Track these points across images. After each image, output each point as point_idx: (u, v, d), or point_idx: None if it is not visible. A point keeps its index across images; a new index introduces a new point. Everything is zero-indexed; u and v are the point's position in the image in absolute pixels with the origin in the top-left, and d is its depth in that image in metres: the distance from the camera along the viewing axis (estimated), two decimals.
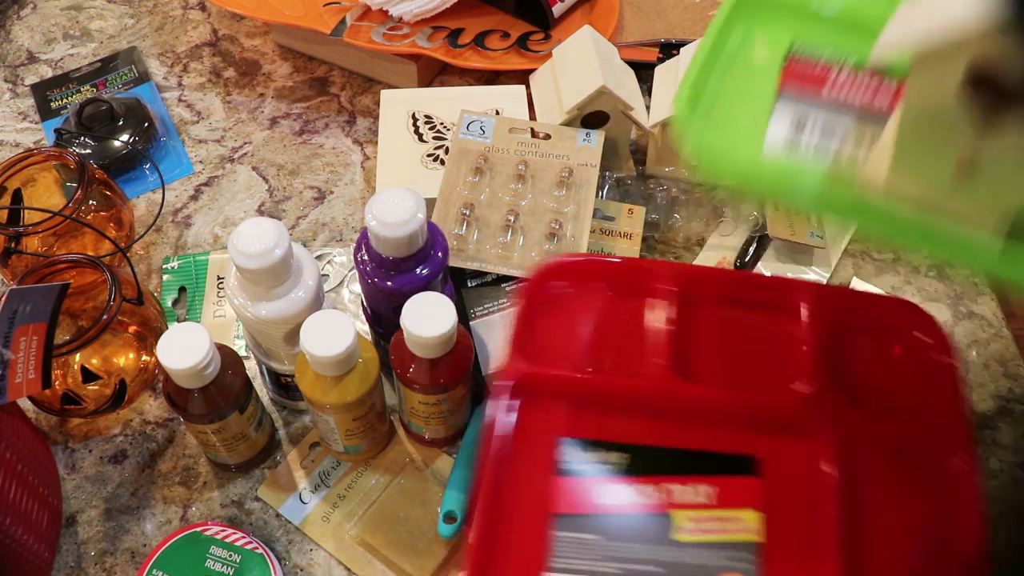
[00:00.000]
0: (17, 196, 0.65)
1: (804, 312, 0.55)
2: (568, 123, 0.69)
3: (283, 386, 0.59)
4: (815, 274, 0.67)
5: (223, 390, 0.52)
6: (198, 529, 0.54)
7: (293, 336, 0.53)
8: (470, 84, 0.81)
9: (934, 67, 0.32)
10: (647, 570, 0.46)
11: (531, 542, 0.47)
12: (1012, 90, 0.33)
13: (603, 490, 0.49)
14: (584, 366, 0.53)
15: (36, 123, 0.79)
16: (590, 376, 0.52)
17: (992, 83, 0.33)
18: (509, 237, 0.62)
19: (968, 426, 0.51)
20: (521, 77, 0.78)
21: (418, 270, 0.53)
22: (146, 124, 0.75)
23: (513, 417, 0.51)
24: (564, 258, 0.57)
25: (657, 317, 0.55)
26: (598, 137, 0.68)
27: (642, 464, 0.49)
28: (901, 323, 0.55)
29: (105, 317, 0.54)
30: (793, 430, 0.51)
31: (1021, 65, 0.31)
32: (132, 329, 0.61)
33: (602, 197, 0.71)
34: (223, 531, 0.54)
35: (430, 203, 0.64)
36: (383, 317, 0.57)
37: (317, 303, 0.53)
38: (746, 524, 0.48)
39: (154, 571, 0.52)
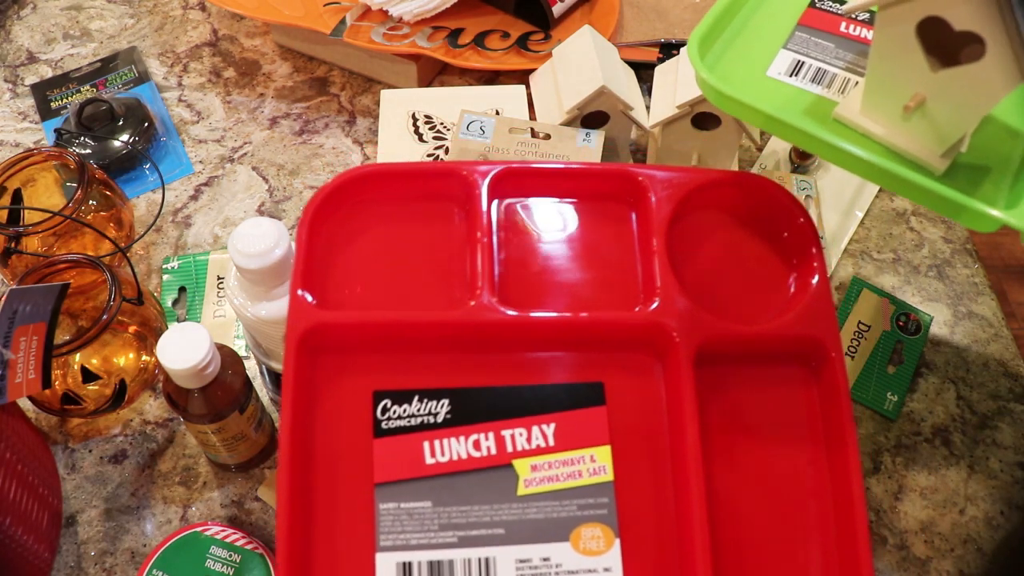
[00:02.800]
0: (17, 196, 0.65)
1: (644, 203, 0.47)
2: (568, 123, 0.69)
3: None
4: None
5: (223, 390, 0.52)
6: (198, 529, 0.54)
7: None
8: (470, 84, 0.81)
9: (893, 16, 0.38)
10: (489, 534, 0.41)
11: (354, 521, 0.41)
12: (955, 36, 0.39)
13: (430, 448, 0.42)
14: (389, 304, 0.45)
15: (36, 123, 0.79)
16: (397, 316, 0.44)
17: (940, 29, 0.39)
18: None
19: (835, 323, 0.45)
20: (521, 77, 0.78)
21: None
22: (146, 124, 0.75)
23: (310, 374, 0.43)
24: (348, 174, 0.46)
25: (470, 233, 0.46)
26: (598, 137, 0.68)
27: (472, 410, 0.42)
28: (755, 208, 0.48)
29: (105, 317, 0.54)
30: (642, 347, 0.44)
31: (964, 16, 0.37)
32: (132, 329, 0.61)
33: None
34: (223, 531, 0.54)
35: None
36: None
37: None
38: (598, 463, 0.42)
39: (154, 571, 0.52)
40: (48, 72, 0.83)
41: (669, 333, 0.43)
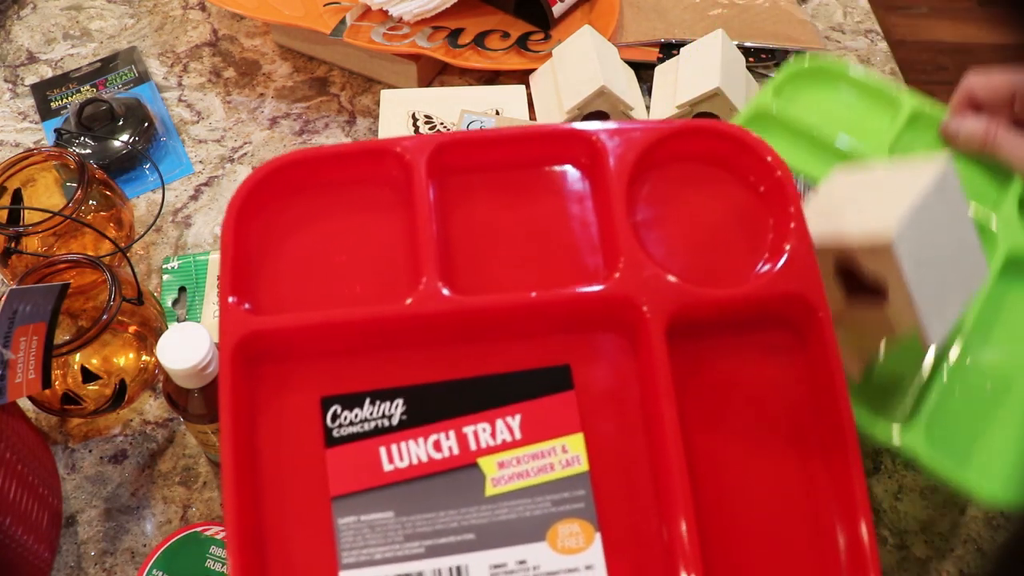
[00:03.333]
0: (17, 196, 0.64)
1: (600, 165, 0.42)
2: (568, 123, 0.69)
3: None
4: None
5: None
6: (198, 529, 0.54)
7: None
8: (470, 84, 0.81)
9: (820, 253, 0.43)
10: (459, 541, 0.38)
11: (312, 540, 0.38)
12: (862, 282, 0.43)
13: (387, 453, 0.39)
14: (330, 303, 0.41)
15: (36, 123, 0.79)
16: (340, 314, 0.40)
17: (850, 273, 0.43)
18: None
19: (819, 280, 0.41)
20: (521, 77, 0.78)
21: None
22: (146, 124, 0.75)
23: (249, 387, 0.39)
24: (271, 164, 0.42)
25: (410, 216, 0.42)
26: None
27: (429, 408, 0.39)
28: (727, 156, 0.43)
29: (105, 317, 0.54)
30: (609, 323, 0.41)
31: (868, 270, 0.42)
32: (132, 329, 0.61)
33: None
34: (223, 531, 0.54)
35: None
36: None
37: None
38: (571, 453, 0.39)
39: (154, 571, 0.52)
40: (48, 72, 0.83)
41: (637, 305, 0.40)
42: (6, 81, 0.82)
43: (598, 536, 0.38)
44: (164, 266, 0.69)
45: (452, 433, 0.39)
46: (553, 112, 0.71)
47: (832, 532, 0.40)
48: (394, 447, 0.39)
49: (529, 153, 0.44)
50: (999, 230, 0.56)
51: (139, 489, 0.59)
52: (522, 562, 0.38)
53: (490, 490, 0.38)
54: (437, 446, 0.39)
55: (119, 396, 0.59)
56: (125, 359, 0.61)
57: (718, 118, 0.70)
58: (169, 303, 0.67)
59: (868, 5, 0.91)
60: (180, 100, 0.80)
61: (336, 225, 0.42)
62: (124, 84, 0.81)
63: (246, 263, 0.41)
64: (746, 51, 0.81)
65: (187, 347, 0.49)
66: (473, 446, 0.39)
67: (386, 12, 0.77)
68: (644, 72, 0.79)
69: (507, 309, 0.40)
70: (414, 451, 0.39)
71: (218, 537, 0.53)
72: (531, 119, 0.72)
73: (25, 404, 0.60)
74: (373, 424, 0.39)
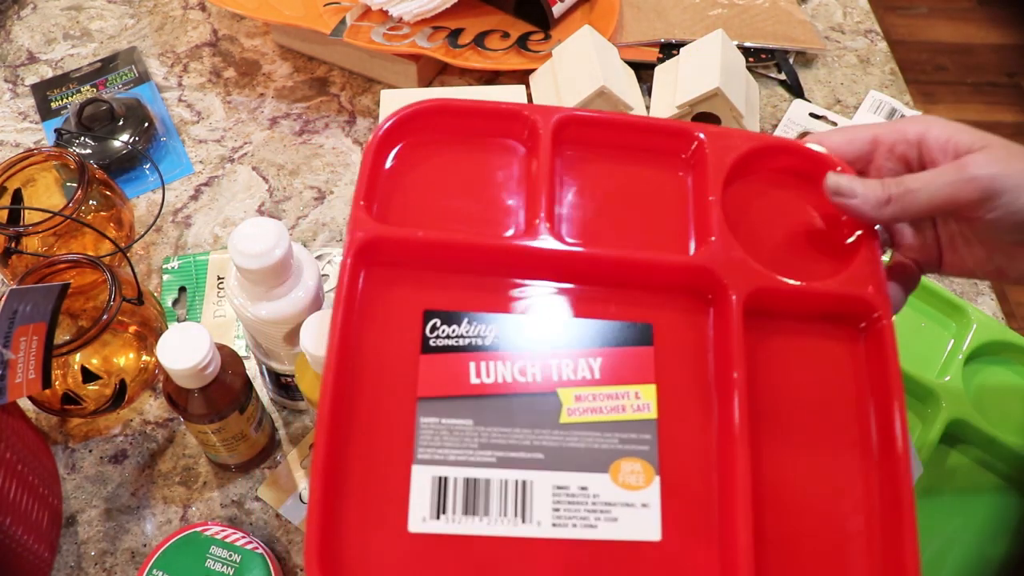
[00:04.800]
0: (17, 196, 0.65)
1: (701, 160, 0.47)
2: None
3: (283, 386, 0.59)
4: None
5: (223, 390, 0.52)
6: (198, 529, 0.54)
7: (293, 336, 0.53)
8: (470, 84, 0.81)
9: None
10: (528, 458, 0.40)
11: (393, 432, 0.40)
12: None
13: (476, 368, 0.42)
14: (447, 226, 0.45)
15: (36, 123, 0.79)
16: (455, 237, 0.44)
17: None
18: None
19: (884, 287, 0.45)
20: (521, 77, 0.78)
21: None
22: (146, 124, 0.75)
23: (363, 286, 0.43)
24: (416, 105, 0.47)
25: (531, 169, 0.47)
26: None
27: (520, 337, 0.42)
28: (812, 172, 0.48)
29: (105, 317, 0.54)
30: (694, 291, 0.45)
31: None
32: (132, 329, 0.61)
33: None
34: (223, 531, 0.54)
35: None
36: None
37: (317, 303, 0.53)
38: (643, 400, 0.42)
39: (154, 571, 0.52)
40: (48, 72, 0.83)
41: (721, 279, 0.44)
42: (6, 81, 0.82)
43: (657, 478, 0.41)
44: (164, 266, 0.69)
45: (538, 362, 0.42)
46: None
47: (881, 502, 0.42)
48: (483, 364, 0.42)
49: (642, 139, 0.48)
50: (944, 397, 0.60)
51: (139, 489, 0.59)
52: (584, 488, 0.40)
53: (564, 418, 0.41)
54: (522, 371, 0.42)
55: (119, 396, 0.59)
56: (125, 359, 0.61)
57: (718, 118, 0.70)
58: (169, 303, 0.67)
59: (868, 5, 0.91)
60: (180, 100, 0.80)
61: (463, 165, 0.47)
62: (124, 84, 0.81)
63: (380, 179, 0.45)
64: (746, 51, 0.81)
65: (187, 347, 0.49)
66: (555, 377, 0.42)
67: (386, 12, 0.77)
68: (644, 72, 0.79)
69: (605, 262, 0.44)
70: (500, 370, 0.42)
71: (218, 537, 0.53)
72: None
73: (25, 404, 0.60)
74: (467, 341, 0.42)
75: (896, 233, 0.48)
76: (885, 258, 0.46)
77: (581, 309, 0.44)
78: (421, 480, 0.40)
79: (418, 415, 0.41)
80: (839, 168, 0.46)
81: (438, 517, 0.39)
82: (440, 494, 0.39)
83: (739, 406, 0.41)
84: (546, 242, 0.44)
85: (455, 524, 0.39)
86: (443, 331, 0.42)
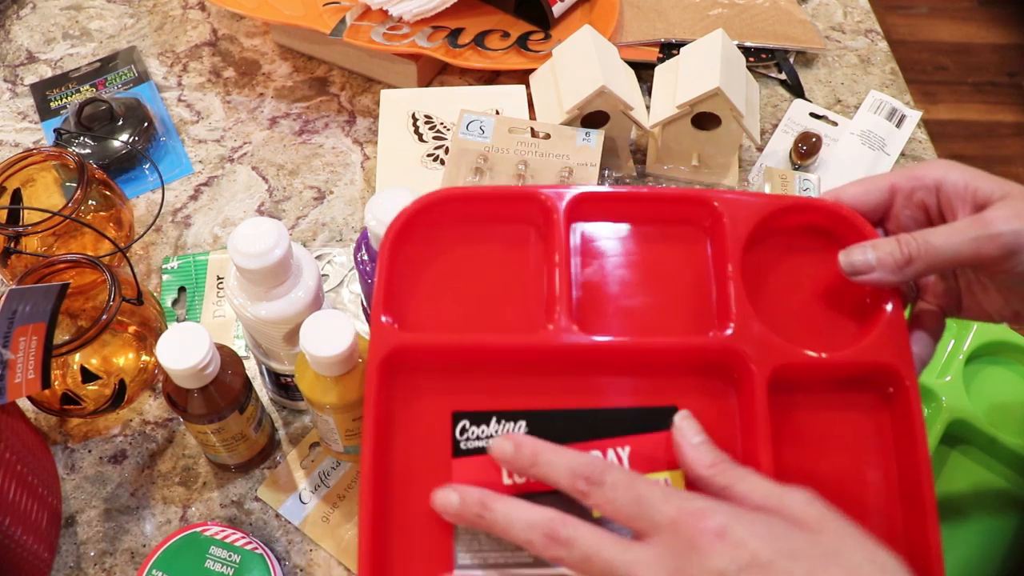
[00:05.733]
0: (17, 196, 0.64)
1: (719, 228, 0.47)
2: (568, 123, 0.69)
3: (283, 386, 0.59)
4: None
5: (223, 390, 0.52)
6: (198, 529, 0.54)
7: (293, 336, 0.53)
8: (470, 84, 0.81)
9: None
10: None
11: (432, 539, 0.41)
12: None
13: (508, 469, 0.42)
14: (468, 326, 0.45)
15: (36, 123, 0.79)
16: (477, 339, 0.44)
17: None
18: None
19: (909, 351, 0.45)
20: (521, 77, 0.78)
21: None
22: (146, 124, 0.75)
23: (391, 394, 0.43)
24: (426, 198, 0.47)
25: (545, 256, 0.46)
26: (598, 137, 0.68)
27: (549, 432, 0.42)
28: (831, 228, 0.47)
29: (105, 317, 0.54)
30: (717, 372, 0.45)
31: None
32: (132, 329, 0.61)
33: None
34: (223, 531, 0.54)
35: None
36: None
37: (317, 303, 0.53)
38: (672, 487, 0.42)
39: (154, 571, 0.52)
40: (48, 72, 0.83)
41: (744, 359, 0.44)
42: (6, 81, 0.82)
43: None
44: (164, 266, 0.69)
45: None
46: (553, 112, 0.71)
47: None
48: None
49: (657, 211, 0.48)
50: (944, 397, 0.60)
51: (139, 489, 0.59)
52: None
53: (597, 513, 0.40)
54: None
55: (119, 396, 0.59)
56: (125, 359, 0.61)
57: (718, 118, 0.70)
58: (169, 303, 0.67)
59: (868, 5, 0.91)
60: (180, 100, 0.80)
61: (478, 256, 0.47)
62: (124, 84, 0.81)
63: (396, 284, 0.46)
64: (746, 51, 0.81)
65: (187, 347, 0.49)
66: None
67: (386, 12, 0.77)
68: (644, 72, 0.79)
69: (626, 350, 0.44)
70: None
71: (218, 537, 0.53)
72: (531, 119, 0.72)
73: (24, 404, 0.60)
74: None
75: (918, 281, 0.48)
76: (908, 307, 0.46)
77: (606, 398, 0.44)
78: None
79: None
80: (859, 224, 0.46)
81: None
82: None
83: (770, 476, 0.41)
84: (568, 337, 0.44)
85: None
86: (472, 432, 0.43)
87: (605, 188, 0.49)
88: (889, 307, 0.45)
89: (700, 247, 0.48)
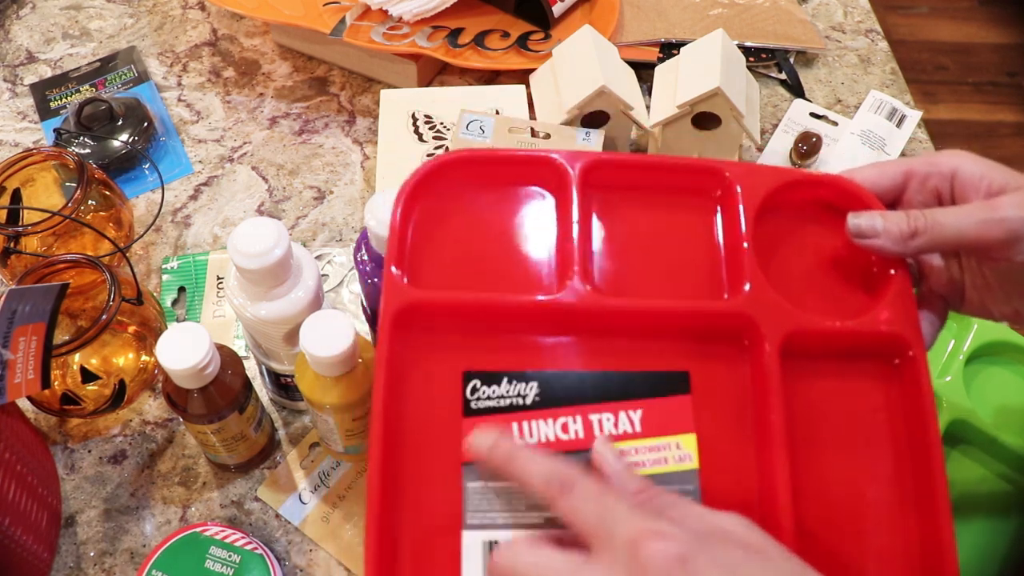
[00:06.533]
0: (16, 196, 0.64)
1: (731, 198, 0.47)
2: (568, 123, 0.69)
3: (283, 386, 0.59)
4: None
5: (223, 390, 0.52)
6: (198, 529, 0.54)
7: (293, 336, 0.53)
8: (470, 84, 0.81)
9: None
10: None
11: (441, 498, 0.41)
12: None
13: (518, 429, 0.42)
14: (480, 284, 0.45)
15: (35, 123, 0.79)
16: (489, 298, 0.44)
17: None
18: None
19: (917, 322, 0.45)
20: (521, 77, 0.78)
21: None
22: (145, 124, 0.75)
23: (402, 351, 0.43)
24: (440, 158, 0.46)
25: (561, 218, 0.46)
26: (598, 137, 0.68)
27: (560, 394, 0.43)
28: (842, 205, 0.47)
29: (104, 317, 0.54)
30: (729, 337, 0.45)
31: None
32: (131, 329, 0.61)
33: None
34: (223, 531, 0.54)
35: None
36: None
37: (317, 303, 0.53)
38: (683, 451, 0.42)
39: (153, 571, 0.52)
40: (47, 72, 0.83)
41: (756, 324, 0.44)
42: (5, 81, 0.82)
43: None
44: (164, 266, 0.69)
45: (579, 418, 0.42)
46: (553, 112, 0.71)
47: (920, 540, 0.43)
48: (525, 424, 0.42)
49: (670, 179, 0.48)
50: (944, 397, 0.60)
51: (139, 489, 0.59)
52: None
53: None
54: (564, 428, 0.42)
55: (119, 396, 0.59)
56: (125, 359, 0.61)
57: (719, 118, 0.70)
58: (169, 303, 0.67)
59: (868, 5, 0.91)
60: (179, 100, 0.80)
61: (492, 218, 0.47)
62: (123, 84, 0.81)
63: (408, 242, 0.45)
64: (746, 51, 0.81)
65: (187, 347, 0.49)
66: (597, 432, 0.42)
67: (386, 12, 0.77)
68: (644, 72, 0.79)
69: (639, 313, 0.44)
70: (543, 430, 0.42)
71: (217, 537, 0.53)
72: (531, 119, 0.72)
73: (24, 404, 0.60)
74: (508, 401, 0.43)
75: (924, 265, 0.48)
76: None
77: (619, 361, 0.44)
78: (472, 545, 0.40)
79: (464, 480, 0.41)
80: (868, 201, 0.46)
81: None
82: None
83: (780, 450, 0.41)
84: (580, 297, 0.44)
85: None
86: (483, 392, 0.43)
87: (619, 155, 0.49)
88: (898, 280, 0.45)
89: (712, 216, 0.48)
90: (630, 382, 0.43)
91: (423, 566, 0.40)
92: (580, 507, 0.36)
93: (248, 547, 0.53)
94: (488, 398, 0.43)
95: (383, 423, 0.41)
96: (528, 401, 0.43)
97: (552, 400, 0.42)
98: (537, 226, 0.47)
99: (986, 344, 0.64)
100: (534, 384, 0.43)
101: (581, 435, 0.42)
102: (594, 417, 0.42)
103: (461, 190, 0.47)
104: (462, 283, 0.45)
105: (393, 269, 0.43)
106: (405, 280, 0.44)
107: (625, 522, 0.35)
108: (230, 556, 0.53)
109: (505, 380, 0.43)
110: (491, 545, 0.40)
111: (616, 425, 0.42)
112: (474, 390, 0.43)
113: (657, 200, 0.48)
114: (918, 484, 0.43)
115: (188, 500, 0.58)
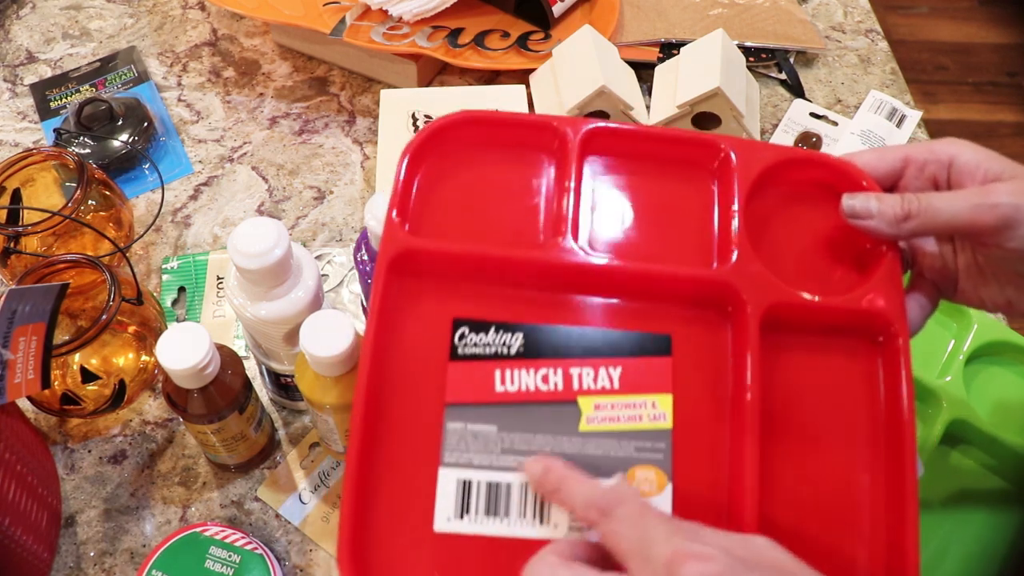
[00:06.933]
0: (16, 196, 0.64)
1: (727, 171, 0.48)
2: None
3: (283, 386, 0.59)
4: None
5: (223, 390, 0.52)
6: (197, 529, 0.54)
7: (293, 336, 0.53)
8: (470, 84, 0.81)
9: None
10: None
11: (421, 436, 0.42)
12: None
13: (501, 376, 0.44)
14: (476, 237, 0.46)
15: (35, 123, 0.79)
16: (484, 250, 0.45)
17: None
18: None
19: (902, 303, 0.45)
20: (521, 77, 0.78)
21: None
22: (145, 124, 0.75)
23: (396, 295, 0.44)
24: (446, 118, 0.48)
25: (556, 181, 0.48)
26: None
27: (544, 346, 0.44)
28: (838, 185, 0.48)
29: (104, 317, 0.54)
30: (713, 304, 0.46)
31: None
32: (131, 329, 0.61)
33: None
34: (223, 531, 0.54)
35: None
36: None
37: (317, 303, 0.53)
38: (658, 410, 0.43)
39: (153, 571, 0.52)
40: (47, 72, 0.83)
41: (739, 293, 0.45)
42: (5, 81, 0.82)
43: (669, 486, 0.42)
44: (164, 266, 0.69)
45: (560, 371, 0.44)
46: (553, 112, 0.71)
47: (886, 516, 0.43)
48: (508, 372, 0.44)
49: (667, 150, 0.49)
50: (944, 397, 0.61)
51: (139, 489, 0.59)
52: None
53: (583, 426, 0.43)
54: (545, 379, 0.44)
55: (118, 396, 0.59)
56: (125, 359, 0.61)
57: (719, 118, 0.70)
58: (169, 303, 0.67)
59: (868, 5, 0.91)
60: (179, 100, 0.80)
61: (491, 177, 0.48)
62: (123, 84, 0.81)
63: (411, 193, 0.47)
64: (746, 51, 0.81)
65: (187, 347, 0.49)
66: (576, 386, 0.44)
67: (386, 12, 0.77)
68: (644, 72, 0.79)
69: (627, 274, 0.45)
70: (524, 379, 0.44)
71: (218, 537, 0.53)
72: None
73: (24, 404, 0.60)
74: (494, 349, 0.44)
75: (917, 251, 0.48)
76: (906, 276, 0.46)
77: (604, 319, 0.45)
78: (447, 482, 0.42)
79: (445, 420, 0.42)
80: (865, 183, 0.46)
81: (462, 517, 0.41)
82: (464, 496, 0.41)
83: (752, 418, 0.42)
84: (571, 255, 0.45)
85: (477, 524, 0.41)
86: (471, 339, 0.44)
87: (621, 124, 0.50)
88: (888, 262, 0.46)
89: (707, 188, 0.49)
90: (613, 340, 0.45)
91: (399, 500, 0.41)
92: (618, 529, 0.36)
93: (248, 547, 0.53)
94: (475, 345, 0.44)
95: (371, 362, 0.42)
96: (512, 351, 0.44)
97: (536, 351, 0.44)
98: (535, 187, 0.48)
99: (986, 344, 0.64)
100: (520, 335, 0.44)
101: (560, 387, 0.43)
102: (575, 371, 0.44)
103: (465, 149, 0.49)
104: (458, 235, 0.46)
105: (394, 215, 0.45)
106: (406, 228, 0.45)
107: (664, 543, 0.35)
108: (230, 556, 0.53)
109: (492, 329, 0.44)
110: (465, 484, 0.42)
111: (595, 380, 0.44)
112: (462, 336, 0.44)
113: (655, 169, 0.49)
114: (889, 463, 0.43)
115: (188, 500, 0.58)
